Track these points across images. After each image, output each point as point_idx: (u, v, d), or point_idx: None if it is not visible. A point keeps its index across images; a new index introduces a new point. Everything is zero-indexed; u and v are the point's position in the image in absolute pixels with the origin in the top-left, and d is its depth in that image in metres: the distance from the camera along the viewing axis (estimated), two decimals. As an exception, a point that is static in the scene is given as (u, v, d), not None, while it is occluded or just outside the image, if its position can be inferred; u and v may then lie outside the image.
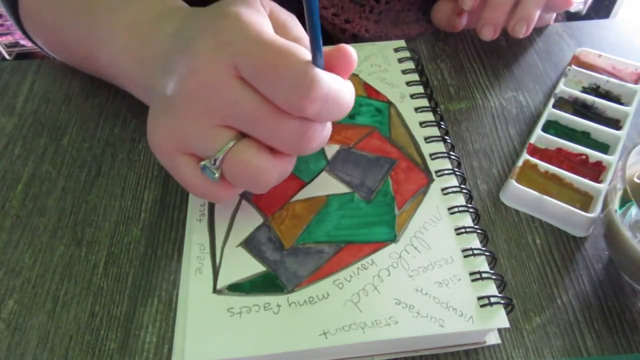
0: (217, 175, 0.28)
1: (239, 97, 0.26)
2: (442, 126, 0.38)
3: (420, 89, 0.41)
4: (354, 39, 0.53)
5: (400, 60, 0.43)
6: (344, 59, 0.28)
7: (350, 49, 0.28)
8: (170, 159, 0.29)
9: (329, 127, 0.29)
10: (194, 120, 0.27)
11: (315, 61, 0.26)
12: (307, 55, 0.26)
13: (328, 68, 0.27)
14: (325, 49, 0.27)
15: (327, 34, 0.52)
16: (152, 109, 0.30)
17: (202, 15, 0.29)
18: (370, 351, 0.30)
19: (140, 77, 0.33)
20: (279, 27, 0.29)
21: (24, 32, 0.45)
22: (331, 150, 0.36)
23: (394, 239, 0.32)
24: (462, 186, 0.34)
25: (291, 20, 0.31)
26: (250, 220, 0.33)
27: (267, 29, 0.27)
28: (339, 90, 0.27)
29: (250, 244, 0.32)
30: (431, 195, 0.34)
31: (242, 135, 0.28)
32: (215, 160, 0.27)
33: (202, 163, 0.28)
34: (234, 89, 0.26)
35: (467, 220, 0.33)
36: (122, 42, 0.35)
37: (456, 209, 0.33)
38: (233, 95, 0.26)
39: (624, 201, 0.30)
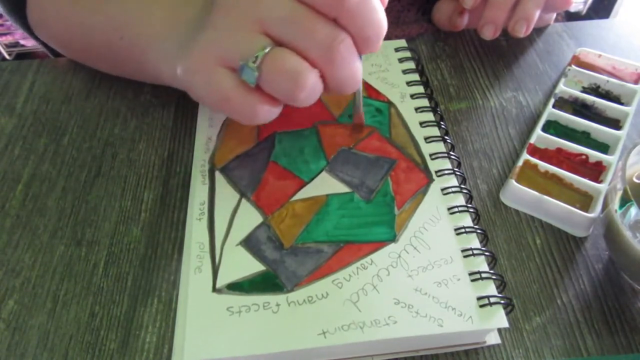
0: (256, 74, 0.28)
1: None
2: (442, 126, 0.38)
3: (420, 89, 0.41)
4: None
5: (400, 60, 0.43)
6: None
7: None
8: (208, 74, 0.30)
9: (358, 65, 0.29)
10: (233, 26, 0.29)
11: None
12: None
13: None
14: None
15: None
16: (184, 46, 0.31)
17: None
18: (369, 351, 0.30)
19: (170, 40, 0.34)
20: None
21: (28, 30, 0.45)
22: (331, 151, 0.36)
23: (393, 239, 0.32)
24: (462, 186, 0.34)
25: None
26: (250, 219, 0.33)
27: None
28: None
29: (249, 243, 0.32)
30: (431, 195, 0.34)
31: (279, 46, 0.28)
32: (255, 59, 0.28)
33: (242, 63, 0.28)
34: None
35: (467, 220, 0.33)
36: (154, 17, 0.36)
37: (456, 209, 0.33)
38: None
39: (624, 201, 0.30)
